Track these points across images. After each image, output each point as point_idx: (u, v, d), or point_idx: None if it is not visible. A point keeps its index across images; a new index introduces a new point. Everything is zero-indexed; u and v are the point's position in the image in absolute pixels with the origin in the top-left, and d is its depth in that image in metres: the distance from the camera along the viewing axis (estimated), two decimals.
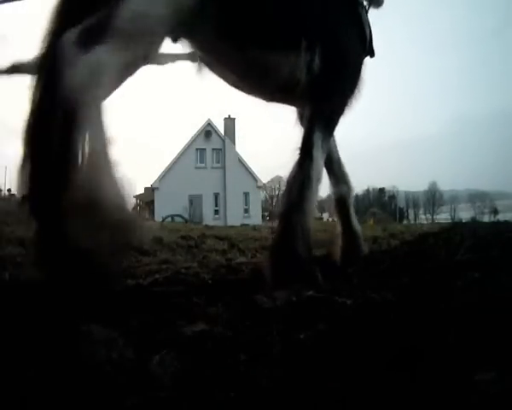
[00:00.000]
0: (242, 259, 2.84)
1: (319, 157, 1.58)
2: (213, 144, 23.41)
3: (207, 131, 23.27)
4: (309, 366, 0.83)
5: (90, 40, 1.07)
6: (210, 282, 1.79)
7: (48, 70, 1.09)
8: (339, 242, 2.19)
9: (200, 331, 1.01)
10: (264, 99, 1.78)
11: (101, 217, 1.08)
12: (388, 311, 1.13)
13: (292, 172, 1.60)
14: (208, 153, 23.22)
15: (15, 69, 1.46)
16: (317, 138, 1.57)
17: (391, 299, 1.28)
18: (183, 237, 4.13)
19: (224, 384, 0.76)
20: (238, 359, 0.88)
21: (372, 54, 1.82)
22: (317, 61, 1.48)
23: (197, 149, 23.55)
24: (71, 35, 1.08)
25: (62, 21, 1.16)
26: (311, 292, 1.35)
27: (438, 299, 1.24)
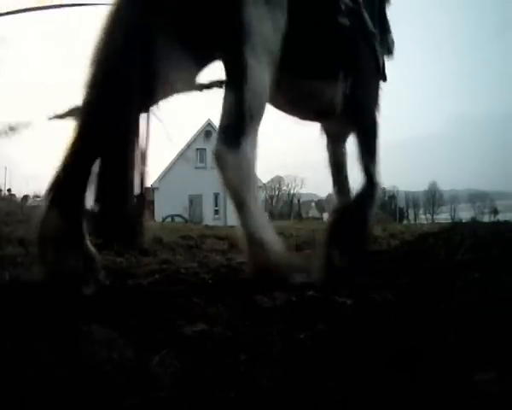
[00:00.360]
0: (242, 259, 2.84)
1: (378, 182, 1.96)
2: (213, 144, 23.42)
3: (207, 131, 23.27)
4: (309, 366, 0.83)
5: (234, 138, 1.29)
6: (210, 282, 1.79)
7: None
8: None
9: (200, 331, 1.01)
10: (301, 118, 2.01)
11: None
12: (388, 311, 1.13)
13: (357, 197, 1.93)
14: (208, 153, 23.20)
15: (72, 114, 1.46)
16: (371, 165, 1.93)
17: (391, 299, 1.28)
18: (183, 237, 4.13)
19: (224, 384, 0.76)
20: (238, 359, 0.88)
21: (385, 79, 2.08)
22: (349, 88, 1.78)
23: (197, 149, 23.55)
24: (219, 143, 1.32)
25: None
26: (311, 292, 1.35)
27: (438, 299, 1.24)
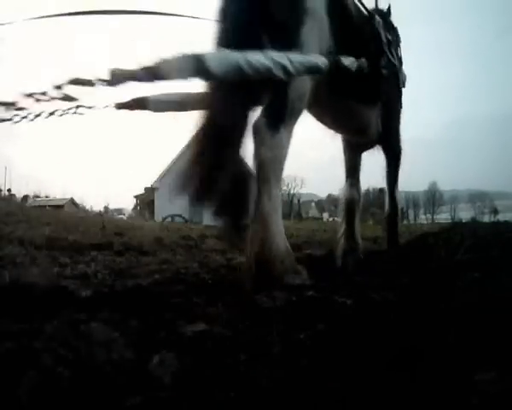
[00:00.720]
0: (242, 259, 2.84)
1: (398, 196, 2.46)
2: None
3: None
4: (309, 366, 0.83)
5: (275, 122, 1.42)
6: (210, 282, 1.79)
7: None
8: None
9: (200, 331, 1.01)
10: (339, 133, 2.36)
11: None
12: (388, 311, 1.13)
13: (388, 208, 2.43)
14: None
15: (139, 105, 1.58)
16: (395, 181, 2.44)
17: (391, 299, 1.28)
18: (183, 237, 4.13)
19: (224, 384, 0.76)
20: (238, 359, 0.88)
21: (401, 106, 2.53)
22: (383, 116, 2.19)
23: None
24: (262, 118, 1.44)
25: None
26: (311, 292, 1.35)
27: (438, 299, 1.24)
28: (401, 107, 2.48)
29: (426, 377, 0.72)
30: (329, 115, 2.06)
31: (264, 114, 1.47)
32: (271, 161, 1.42)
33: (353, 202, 2.41)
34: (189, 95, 1.59)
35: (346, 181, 2.45)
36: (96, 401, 0.70)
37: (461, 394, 0.64)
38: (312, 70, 1.43)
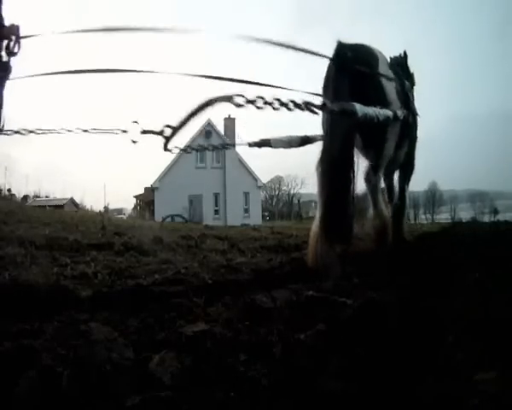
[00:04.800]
0: (242, 259, 2.84)
1: (407, 198, 3.09)
2: (213, 144, 23.43)
3: (207, 131, 23.26)
4: (309, 366, 0.83)
5: (373, 173, 2.31)
6: (210, 282, 1.79)
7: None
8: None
9: (200, 331, 1.01)
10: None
11: None
12: (388, 311, 1.13)
13: (395, 209, 2.90)
14: (208, 153, 23.18)
15: (265, 143, 2.26)
16: (406, 187, 3.03)
17: (391, 299, 1.28)
18: (183, 237, 4.13)
19: (224, 384, 0.76)
20: (238, 359, 0.88)
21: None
22: (407, 149, 2.77)
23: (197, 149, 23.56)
24: (370, 167, 2.31)
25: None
26: (311, 292, 1.35)
27: (438, 299, 1.24)
28: (416, 137, 2.99)
29: (426, 378, 0.72)
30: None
31: (371, 170, 2.32)
32: (377, 192, 2.34)
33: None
34: (292, 137, 2.33)
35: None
36: (96, 400, 0.70)
37: (461, 394, 0.64)
38: (389, 118, 2.12)
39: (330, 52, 2.07)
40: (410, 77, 2.84)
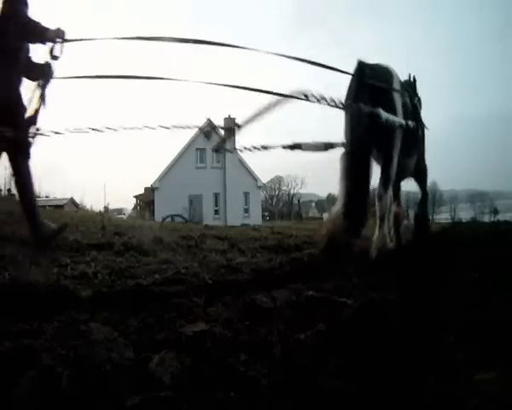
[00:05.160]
0: (242, 259, 2.84)
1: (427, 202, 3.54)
2: (213, 144, 23.44)
3: (207, 131, 23.29)
4: (309, 366, 0.83)
5: (386, 185, 2.49)
6: (210, 282, 1.79)
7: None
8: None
9: (200, 331, 1.01)
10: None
11: None
12: (388, 311, 1.13)
13: (419, 208, 3.39)
14: (208, 153, 23.18)
15: (297, 146, 2.45)
16: (426, 187, 3.43)
17: (391, 299, 1.28)
18: (183, 237, 4.12)
19: (224, 384, 0.76)
20: (238, 359, 0.88)
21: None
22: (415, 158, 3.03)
23: (197, 149, 23.54)
24: (380, 184, 2.50)
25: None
26: (311, 292, 1.35)
27: (438, 299, 1.24)
28: (424, 147, 3.35)
29: (426, 377, 0.72)
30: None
31: (381, 186, 2.52)
32: (386, 207, 2.51)
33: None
34: (318, 142, 2.54)
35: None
36: (97, 400, 0.70)
37: (461, 394, 0.64)
38: (402, 125, 2.47)
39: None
40: (418, 99, 3.22)
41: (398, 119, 2.45)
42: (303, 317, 1.15)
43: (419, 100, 3.21)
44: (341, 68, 2.45)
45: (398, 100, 2.58)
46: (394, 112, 2.47)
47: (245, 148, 2.42)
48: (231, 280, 1.86)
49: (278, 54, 2.27)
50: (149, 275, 2.03)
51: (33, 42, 2.02)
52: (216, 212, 23.66)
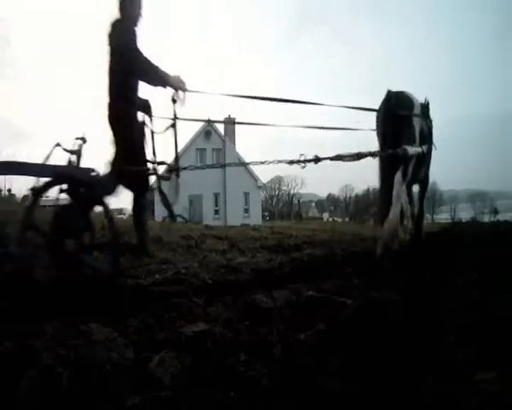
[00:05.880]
0: (242, 259, 2.84)
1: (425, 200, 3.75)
2: (213, 144, 23.34)
3: (207, 131, 23.23)
4: (309, 366, 0.83)
5: (403, 177, 2.80)
6: (210, 282, 1.79)
7: None
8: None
9: (200, 331, 1.01)
10: None
11: None
12: (389, 311, 1.13)
13: (419, 208, 3.59)
14: (208, 153, 23.17)
15: (361, 156, 2.66)
16: (425, 194, 3.73)
17: (391, 299, 1.28)
18: (183, 237, 4.12)
19: (224, 384, 0.76)
20: (238, 359, 0.88)
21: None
22: (423, 169, 3.40)
23: (197, 149, 23.53)
24: (398, 177, 2.79)
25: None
26: (311, 292, 1.35)
27: (438, 299, 1.24)
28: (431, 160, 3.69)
29: (426, 378, 0.72)
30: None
31: (400, 174, 2.83)
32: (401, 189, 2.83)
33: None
34: (352, 153, 2.70)
35: (381, 198, 3.36)
36: (97, 400, 0.70)
37: (461, 394, 0.64)
38: (419, 153, 2.95)
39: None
40: (431, 121, 3.61)
41: (418, 149, 2.98)
42: (303, 317, 1.15)
43: (431, 122, 3.65)
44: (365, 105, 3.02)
45: (418, 124, 3.11)
46: (413, 136, 2.98)
47: (298, 161, 2.53)
48: (231, 280, 1.86)
49: (325, 104, 2.71)
50: (149, 275, 2.03)
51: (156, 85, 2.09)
52: (216, 212, 23.65)
